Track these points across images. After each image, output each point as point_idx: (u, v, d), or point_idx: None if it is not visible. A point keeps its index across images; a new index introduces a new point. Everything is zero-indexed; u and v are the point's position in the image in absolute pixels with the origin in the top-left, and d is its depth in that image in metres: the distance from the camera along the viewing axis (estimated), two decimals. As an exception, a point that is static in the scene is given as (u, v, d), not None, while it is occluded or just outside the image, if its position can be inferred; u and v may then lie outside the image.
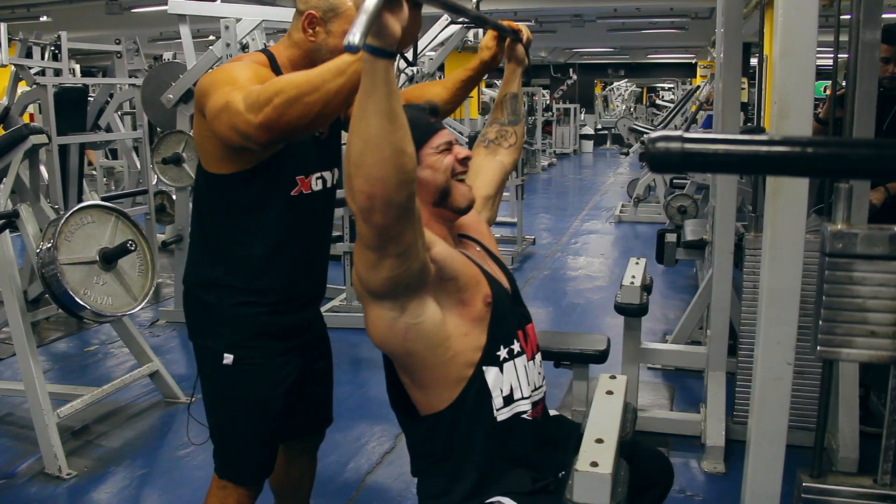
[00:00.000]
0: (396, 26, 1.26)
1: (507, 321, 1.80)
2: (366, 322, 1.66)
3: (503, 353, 1.78)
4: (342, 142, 2.15)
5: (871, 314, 1.46)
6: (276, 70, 1.93)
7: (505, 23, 2.14)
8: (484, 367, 1.73)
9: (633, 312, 3.35)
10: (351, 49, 1.12)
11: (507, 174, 2.19)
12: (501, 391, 1.76)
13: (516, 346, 1.81)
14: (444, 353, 1.69)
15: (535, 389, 1.85)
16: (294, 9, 1.95)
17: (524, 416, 1.79)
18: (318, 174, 2.03)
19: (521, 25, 2.17)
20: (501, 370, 1.76)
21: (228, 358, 1.99)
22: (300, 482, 2.47)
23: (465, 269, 1.73)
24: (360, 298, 1.65)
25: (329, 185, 2.08)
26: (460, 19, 6.86)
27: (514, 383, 1.78)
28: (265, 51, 1.98)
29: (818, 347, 1.49)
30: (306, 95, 1.60)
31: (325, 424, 2.40)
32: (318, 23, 1.90)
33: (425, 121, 1.80)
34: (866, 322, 1.47)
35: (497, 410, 1.75)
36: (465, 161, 1.80)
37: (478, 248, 1.93)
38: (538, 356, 1.91)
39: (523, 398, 1.80)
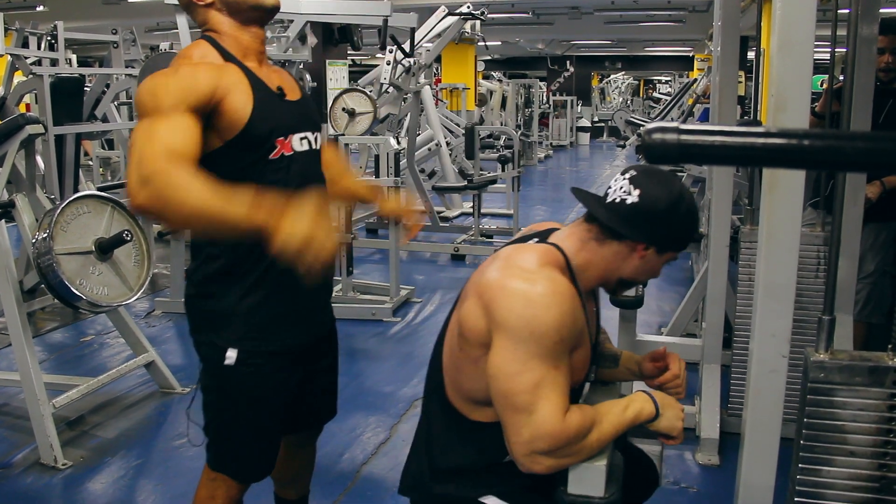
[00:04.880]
0: None
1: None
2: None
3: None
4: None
5: (850, 436, 1.54)
6: (222, 51, 1.86)
7: None
8: None
9: (628, 304, 3.35)
10: None
11: None
12: None
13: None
14: None
15: None
16: None
17: None
18: (301, 134, 1.95)
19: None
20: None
21: (231, 357, 1.94)
22: (300, 472, 2.47)
23: (582, 347, 1.71)
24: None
25: (315, 146, 2.01)
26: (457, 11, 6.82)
27: None
28: (205, 37, 1.91)
29: (799, 465, 1.58)
30: (188, 214, 1.59)
31: (328, 417, 2.39)
32: None
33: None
34: (846, 443, 1.55)
35: None
36: None
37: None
38: None
39: None
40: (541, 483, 1.70)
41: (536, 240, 1.75)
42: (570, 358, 1.62)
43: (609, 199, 1.67)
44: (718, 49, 3.44)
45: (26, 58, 7.05)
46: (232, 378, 1.97)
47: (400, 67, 6.99)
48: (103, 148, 9.58)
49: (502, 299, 1.56)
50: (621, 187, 1.66)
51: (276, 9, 1.94)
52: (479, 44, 12.36)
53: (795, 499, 1.58)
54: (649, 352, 2.00)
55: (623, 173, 1.69)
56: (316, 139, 2.02)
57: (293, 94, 1.99)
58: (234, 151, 1.83)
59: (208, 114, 1.76)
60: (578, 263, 1.70)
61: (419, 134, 8.33)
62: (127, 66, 6.55)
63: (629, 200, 1.64)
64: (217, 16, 1.89)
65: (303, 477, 2.49)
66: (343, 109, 6.58)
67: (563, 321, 1.55)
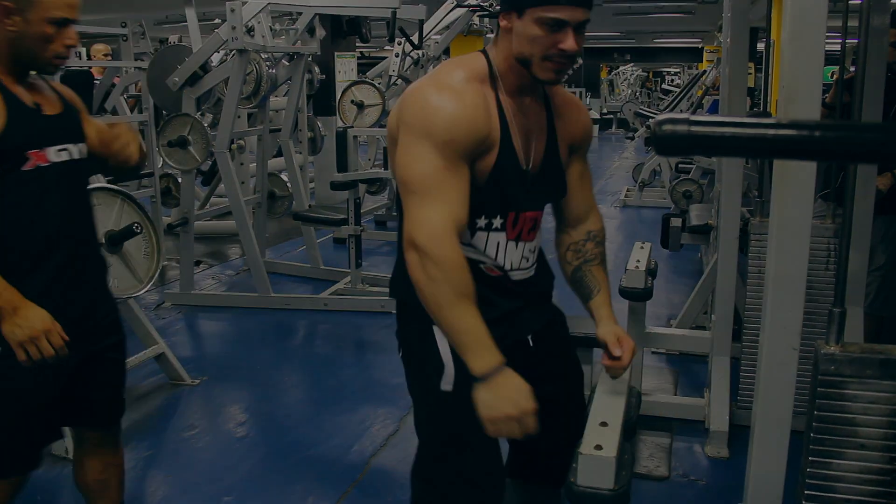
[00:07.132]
0: None
1: (503, 197, 1.78)
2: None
3: (481, 222, 1.78)
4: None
5: (861, 429, 1.54)
6: None
7: None
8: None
9: (637, 297, 3.35)
10: None
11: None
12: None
13: (497, 222, 1.80)
14: None
15: (514, 269, 1.89)
16: None
17: (482, 266, 1.82)
18: (61, 146, 2.00)
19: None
20: (472, 235, 1.79)
21: None
22: (105, 477, 2.37)
23: (490, 153, 1.74)
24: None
25: (76, 156, 2.05)
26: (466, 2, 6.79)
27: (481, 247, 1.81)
28: None
29: (809, 458, 1.57)
30: None
31: (116, 414, 2.35)
32: (14, 12, 1.87)
33: None
34: (856, 436, 1.55)
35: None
36: (564, 55, 1.68)
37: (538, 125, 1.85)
38: (526, 245, 1.89)
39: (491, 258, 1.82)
40: None
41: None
42: (473, 164, 1.71)
43: None
44: (728, 40, 3.43)
45: (36, 51, 7.06)
46: None
47: (408, 59, 6.99)
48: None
49: (410, 101, 1.70)
50: None
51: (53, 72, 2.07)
52: (488, 36, 12.33)
53: (806, 492, 1.58)
54: (611, 348, 2.02)
55: None
56: (79, 150, 2.07)
57: (52, 108, 2.04)
58: None
59: None
60: (498, 65, 1.77)
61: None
62: (136, 60, 6.55)
63: None
64: (5, 39, 1.91)
65: (111, 487, 2.38)
66: (352, 102, 6.59)
67: (454, 123, 1.64)
